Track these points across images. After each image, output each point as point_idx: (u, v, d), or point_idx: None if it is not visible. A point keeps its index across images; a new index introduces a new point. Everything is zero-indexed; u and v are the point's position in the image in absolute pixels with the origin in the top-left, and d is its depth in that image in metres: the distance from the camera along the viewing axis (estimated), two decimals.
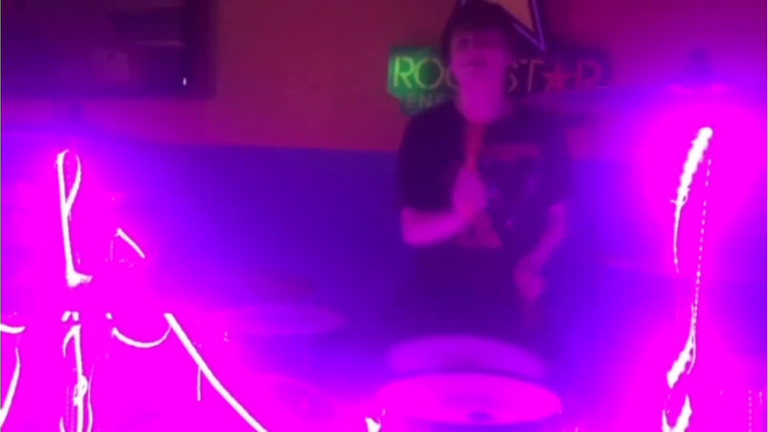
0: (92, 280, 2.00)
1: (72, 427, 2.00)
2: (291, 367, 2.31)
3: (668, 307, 1.59)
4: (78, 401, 2.00)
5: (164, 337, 2.17)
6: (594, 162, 2.89)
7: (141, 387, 2.36)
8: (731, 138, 1.59)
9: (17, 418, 2.14)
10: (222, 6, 3.46)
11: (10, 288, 2.15)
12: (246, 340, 2.30)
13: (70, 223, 2.00)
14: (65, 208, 2.00)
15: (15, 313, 2.10)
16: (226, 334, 2.28)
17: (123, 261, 2.33)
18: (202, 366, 2.04)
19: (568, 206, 2.67)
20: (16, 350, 2.11)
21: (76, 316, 1.98)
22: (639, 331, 2.10)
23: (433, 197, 2.53)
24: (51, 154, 2.00)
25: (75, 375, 1.99)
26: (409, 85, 3.22)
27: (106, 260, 2.26)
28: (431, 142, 2.58)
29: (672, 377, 1.59)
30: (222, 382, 2.01)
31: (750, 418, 1.99)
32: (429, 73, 3.19)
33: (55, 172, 1.99)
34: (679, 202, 1.57)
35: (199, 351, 2.04)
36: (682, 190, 1.57)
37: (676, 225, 1.58)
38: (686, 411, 1.59)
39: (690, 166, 1.56)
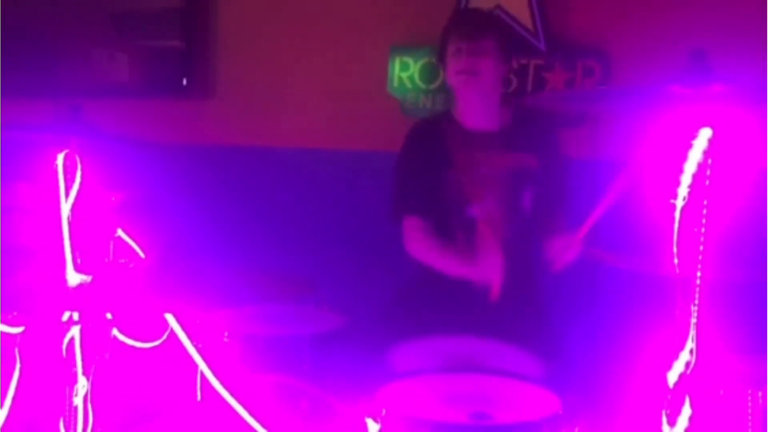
0: (92, 280, 2.00)
1: (72, 427, 2.00)
2: (291, 367, 2.31)
3: (668, 307, 1.59)
4: (78, 401, 2.00)
5: (164, 337, 2.17)
6: (594, 162, 2.88)
7: (141, 387, 2.36)
8: (731, 138, 1.59)
9: (17, 418, 2.14)
10: (222, 6, 3.46)
11: (10, 288, 2.15)
12: (246, 340, 2.30)
13: (70, 223, 2.00)
14: (65, 208, 2.00)
15: (15, 313, 2.10)
16: (226, 334, 2.28)
17: (123, 261, 2.33)
18: (202, 366, 2.04)
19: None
20: (16, 350, 2.11)
21: (76, 316, 1.98)
22: (639, 331, 2.10)
23: (432, 205, 2.54)
24: (51, 154, 2.00)
25: (75, 375, 1.99)
26: (409, 85, 3.22)
27: (106, 260, 2.26)
28: (430, 150, 2.59)
29: (672, 377, 1.59)
30: (222, 382, 2.01)
31: (750, 418, 2.00)
32: (429, 73, 3.19)
33: (55, 172, 1.99)
34: (679, 202, 1.57)
35: (199, 351, 2.04)
36: (682, 190, 1.57)
37: (676, 225, 1.58)
38: (686, 411, 1.59)
39: (690, 166, 1.56)
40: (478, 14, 2.83)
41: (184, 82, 3.41)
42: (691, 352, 1.58)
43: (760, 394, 1.99)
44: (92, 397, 2.02)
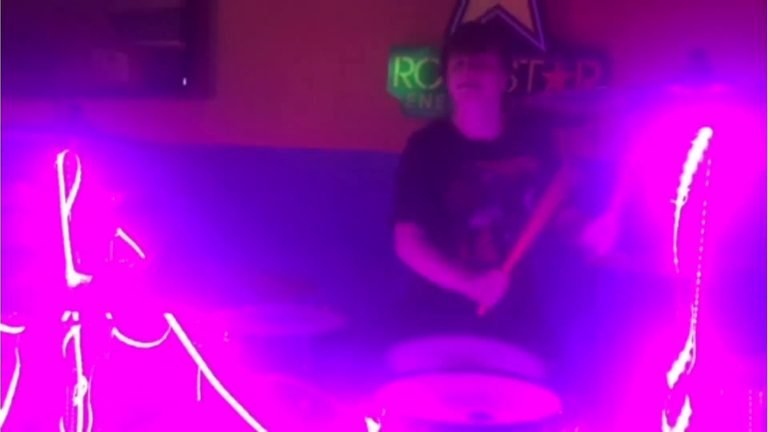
0: (92, 280, 2.00)
1: (72, 427, 2.00)
2: (291, 367, 2.31)
3: (668, 307, 1.59)
4: (78, 401, 2.00)
5: (164, 337, 2.17)
6: (594, 162, 2.88)
7: (141, 387, 2.36)
8: (731, 138, 1.59)
9: (17, 418, 2.14)
10: (222, 6, 3.46)
11: (10, 288, 2.15)
12: (246, 340, 2.30)
13: (70, 223, 2.00)
14: (65, 208, 2.00)
15: (15, 313, 2.10)
16: (226, 334, 2.28)
17: (123, 261, 2.33)
18: (202, 366, 2.04)
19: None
20: (16, 350, 2.11)
21: (76, 316, 1.98)
22: (639, 332, 2.10)
23: (433, 215, 2.55)
24: (51, 154, 2.00)
25: (75, 375, 1.99)
26: (409, 85, 3.22)
27: (106, 260, 2.26)
28: (430, 159, 2.59)
29: (672, 377, 1.59)
30: (222, 382, 2.01)
31: (750, 418, 2.00)
32: (429, 73, 3.19)
33: (55, 172, 1.99)
34: (679, 202, 1.57)
35: (199, 351, 2.04)
36: (682, 190, 1.57)
37: (676, 225, 1.58)
38: (686, 411, 1.59)
39: (690, 166, 1.56)
40: (480, 27, 2.85)
41: (184, 82, 3.41)
42: (691, 352, 1.58)
43: (760, 394, 1.99)
44: (92, 397, 2.02)
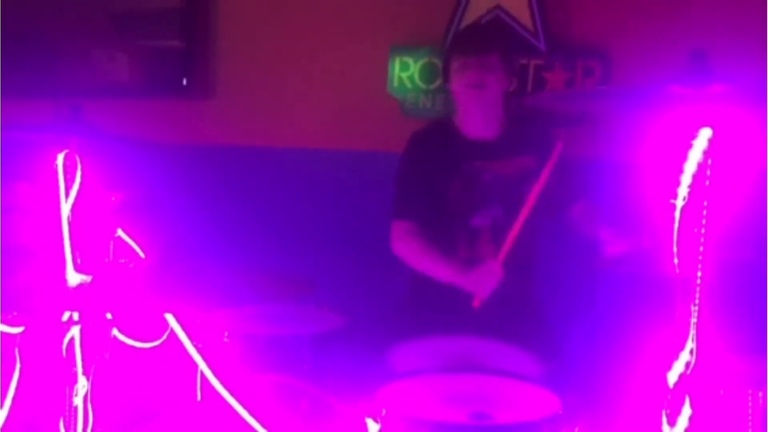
0: (92, 280, 2.00)
1: (72, 427, 2.00)
2: (291, 367, 2.31)
3: (668, 307, 1.59)
4: (78, 401, 2.00)
5: (164, 337, 2.17)
6: (594, 162, 2.88)
7: (141, 387, 2.36)
8: (731, 138, 1.59)
9: (17, 418, 2.14)
10: (222, 6, 3.46)
11: (10, 288, 2.15)
12: (246, 340, 2.30)
13: (70, 223, 2.00)
14: (65, 208, 2.00)
15: (15, 313, 2.10)
16: (226, 334, 2.28)
17: (123, 261, 2.33)
18: (202, 366, 2.04)
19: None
20: (16, 350, 2.11)
21: (76, 316, 1.98)
22: (639, 332, 2.10)
23: (433, 215, 2.55)
24: (51, 154, 2.00)
25: (75, 375, 1.99)
26: (409, 85, 3.22)
27: (106, 260, 2.26)
28: (431, 158, 2.60)
29: (672, 377, 1.59)
30: (222, 382, 2.01)
31: (750, 418, 1.99)
32: (429, 73, 3.19)
33: (55, 172, 1.99)
34: (679, 202, 1.57)
35: (199, 351, 2.04)
36: (682, 190, 1.57)
37: (676, 225, 1.58)
38: (686, 411, 1.59)
39: (690, 166, 1.56)
40: (485, 29, 2.86)
41: (184, 82, 3.41)
42: (691, 352, 1.58)
43: (760, 394, 1.99)
44: (92, 397, 2.02)
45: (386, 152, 2.71)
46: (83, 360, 2.00)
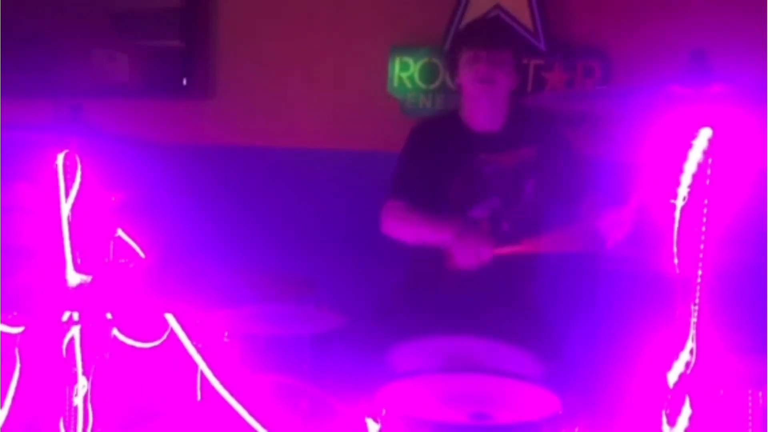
0: (92, 280, 2.00)
1: (72, 427, 2.00)
2: (291, 367, 2.31)
3: (668, 307, 1.59)
4: (78, 401, 2.00)
5: (164, 337, 2.17)
6: (594, 162, 2.88)
7: (141, 387, 2.36)
8: (731, 138, 1.59)
9: (17, 418, 2.14)
10: (222, 6, 3.46)
11: (10, 288, 2.15)
12: (246, 340, 2.30)
13: (70, 223, 2.00)
14: (65, 208, 2.00)
15: (15, 313, 2.10)
16: (226, 334, 2.28)
17: (123, 261, 2.33)
18: (202, 366, 2.04)
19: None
20: (16, 350, 2.11)
21: (76, 316, 1.98)
22: (639, 331, 2.10)
23: (427, 201, 2.54)
24: (51, 154, 2.00)
25: (75, 375, 1.99)
26: (409, 85, 3.22)
27: (106, 260, 2.26)
28: (433, 149, 2.59)
29: (672, 377, 1.59)
30: (222, 382, 2.01)
31: (750, 418, 1.99)
32: (429, 73, 3.19)
33: (55, 172, 1.99)
34: (679, 202, 1.57)
35: (199, 351, 2.04)
36: (682, 190, 1.57)
37: (676, 225, 1.58)
38: (686, 411, 1.59)
39: (690, 166, 1.56)
40: (497, 24, 2.84)
41: (184, 82, 3.41)
42: (691, 352, 1.58)
43: (760, 394, 1.99)
44: (92, 397, 2.02)
45: (386, 152, 2.71)
46: (83, 360, 2.00)
